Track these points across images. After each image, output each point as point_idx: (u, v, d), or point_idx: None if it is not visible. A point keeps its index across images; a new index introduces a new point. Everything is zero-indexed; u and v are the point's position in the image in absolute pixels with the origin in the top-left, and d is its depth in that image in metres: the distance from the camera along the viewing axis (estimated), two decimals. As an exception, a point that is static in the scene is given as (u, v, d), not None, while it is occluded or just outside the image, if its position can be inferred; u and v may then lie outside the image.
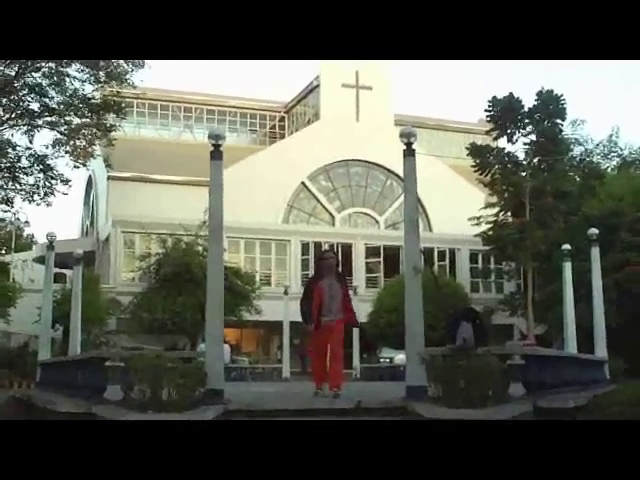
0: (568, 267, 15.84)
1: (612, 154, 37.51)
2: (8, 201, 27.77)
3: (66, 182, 28.27)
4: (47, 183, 27.68)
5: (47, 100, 26.50)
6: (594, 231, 15.39)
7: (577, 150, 36.78)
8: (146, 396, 7.82)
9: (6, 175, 27.01)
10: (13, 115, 26.80)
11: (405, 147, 9.60)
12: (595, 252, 15.21)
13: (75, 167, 28.53)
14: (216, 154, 9.35)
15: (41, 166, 27.37)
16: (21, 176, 27.23)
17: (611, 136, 37.49)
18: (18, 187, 27.30)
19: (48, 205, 28.26)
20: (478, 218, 33.14)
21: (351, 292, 27.67)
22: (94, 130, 27.96)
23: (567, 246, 16.18)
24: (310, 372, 10.60)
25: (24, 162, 27.53)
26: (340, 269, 11.07)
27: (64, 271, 29.09)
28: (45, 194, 27.75)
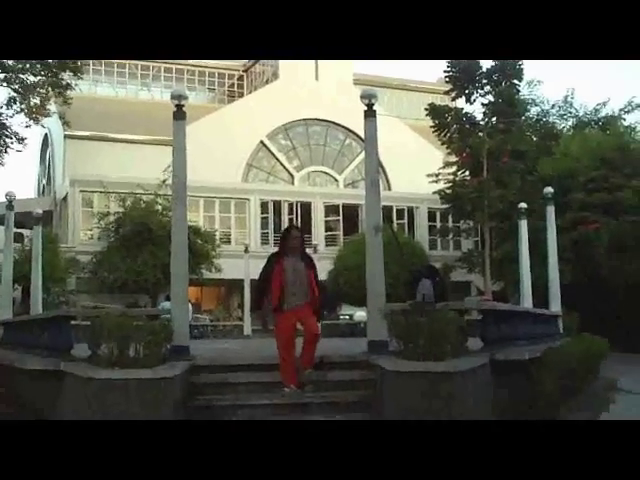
0: (524, 225, 16.16)
1: (567, 115, 37.94)
2: None
3: (21, 140, 27.91)
4: (2, 141, 27.30)
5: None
6: (549, 190, 15.70)
7: (534, 110, 37.10)
8: (114, 353, 7.95)
9: None
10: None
11: (366, 108, 9.75)
12: (550, 210, 15.54)
13: (27, 126, 28.12)
14: (179, 114, 9.42)
15: (-5, 123, 26.99)
16: None
17: (566, 97, 37.86)
18: None
19: (1, 165, 27.94)
20: (437, 175, 33.49)
21: (311, 250, 28.10)
22: (49, 88, 27.52)
23: (523, 205, 16.49)
24: (271, 330, 9.13)
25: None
26: (305, 248, 9.60)
27: (21, 231, 28.79)
28: (-1, 152, 27.40)
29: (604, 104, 37.48)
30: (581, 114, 37.94)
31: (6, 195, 16.09)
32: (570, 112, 38.06)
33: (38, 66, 26.26)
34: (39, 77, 27.13)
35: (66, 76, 27.47)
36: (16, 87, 27.11)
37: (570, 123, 37.82)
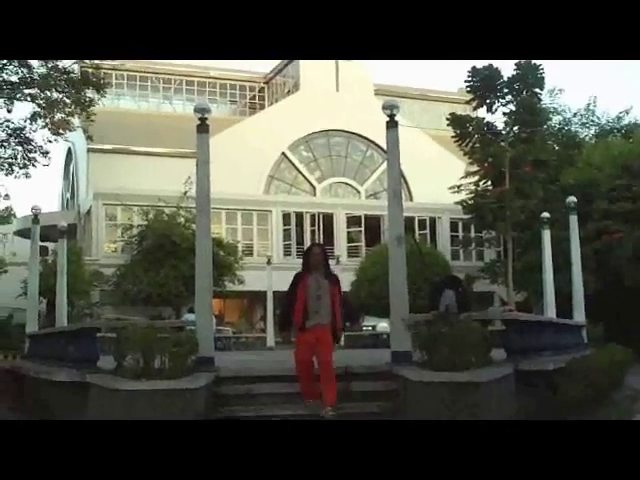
0: (547, 235, 16.13)
1: (590, 123, 37.79)
2: None
3: (45, 154, 28.15)
4: (25, 155, 27.56)
5: (26, 70, 26.25)
6: (572, 199, 15.66)
7: (555, 119, 37.00)
8: (140, 365, 8.04)
9: None
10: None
11: (388, 119, 9.81)
12: (573, 220, 15.49)
13: (49, 141, 28.36)
14: (202, 127, 9.54)
15: (19, 139, 27.22)
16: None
17: (588, 105, 37.77)
18: None
19: (27, 177, 28.18)
20: (459, 187, 33.39)
21: (333, 262, 28.12)
22: (72, 105, 27.76)
23: (546, 214, 16.46)
24: (293, 342, 9.04)
25: (2, 135, 27.35)
26: (328, 265, 9.29)
27: (46, 244, 29.07)
28: (24, 166, 27.64)
29: (627, 112, 37.37)
30: (603, 122, 37.81)
31: (32, 209, 16.32)
32: (592, 120, 37.95)
33: (62, 82, 26.48)
34: (63, 94, 27.34)
35: (89, 93, 27.67)
36: (40, 102, 27.36)
37: (592, 131, 37.69)
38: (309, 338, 8.58)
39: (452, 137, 33.66)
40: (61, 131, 28.09)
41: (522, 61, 31.26)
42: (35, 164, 27.64)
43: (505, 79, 31.62)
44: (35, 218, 16.25)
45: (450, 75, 70.24)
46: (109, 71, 34.67)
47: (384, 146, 10.19)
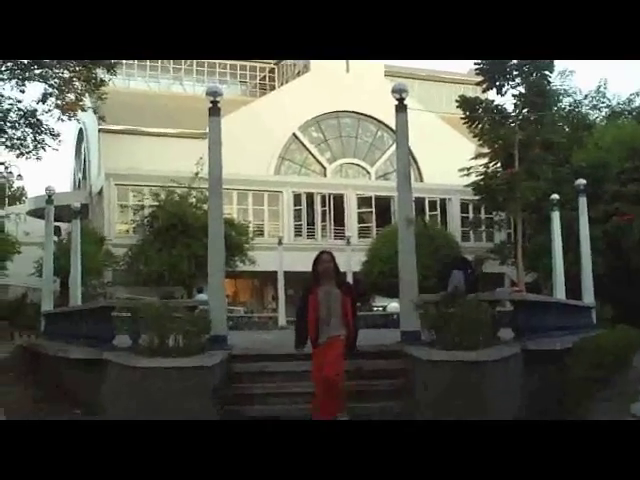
0: (556, 217, 16.22)
1: (600, 105, 37.71)
2: None
3: (55, 136, 28.28)
4: (36, 137, 27.67)
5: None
6: (582, 182, 15.74)
7: (566, 101, 36.95)
8: (155, 343, 8.21)
9: None
10: (4, 68, 26.67)
11: (397, 103, 9.91)
12: (582, 202, 15.58)
13: (61, 119, 28.42)
14: (214, 110, 9.68)
15: (30, 120, 27.33)
16: (9, 130, 27.17)
17: (599, 87, 37.66)
18: (7, 142, 27.26)
19: (38, 159, 28.35)
20: (468, 169, 33.38)
21: (344, 242, 28.28)
22: (84, 84, 27.83)
23: (556, 196, 16.54)
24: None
25: (13, 116, 27.46)
26: (339, 272, 8.68)
27: (58, 224, 29.27)
28: (35, 148, 27.78)
29: (637, 94, 37.25)
30: (614, 104, 37.71)
31: (46, 189, 16.50)
32: (603, 102, 37.84)
33: (73, 62, 26.53)
34: (74, 73, 27.40)
35: (100, 72, 27.71)
36: (52, 82, 27.45)
37: (603, 114, 37.60)
38: (320, 354, 8.12)
39: (461, 119, 33.64)
40: (73, 112, 28.20)
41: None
42: (45, 147, 27.79)
43: (515, 62, 31.55)
44: (49, 198, 16.45)
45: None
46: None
47: (394, 127, 10.29)
